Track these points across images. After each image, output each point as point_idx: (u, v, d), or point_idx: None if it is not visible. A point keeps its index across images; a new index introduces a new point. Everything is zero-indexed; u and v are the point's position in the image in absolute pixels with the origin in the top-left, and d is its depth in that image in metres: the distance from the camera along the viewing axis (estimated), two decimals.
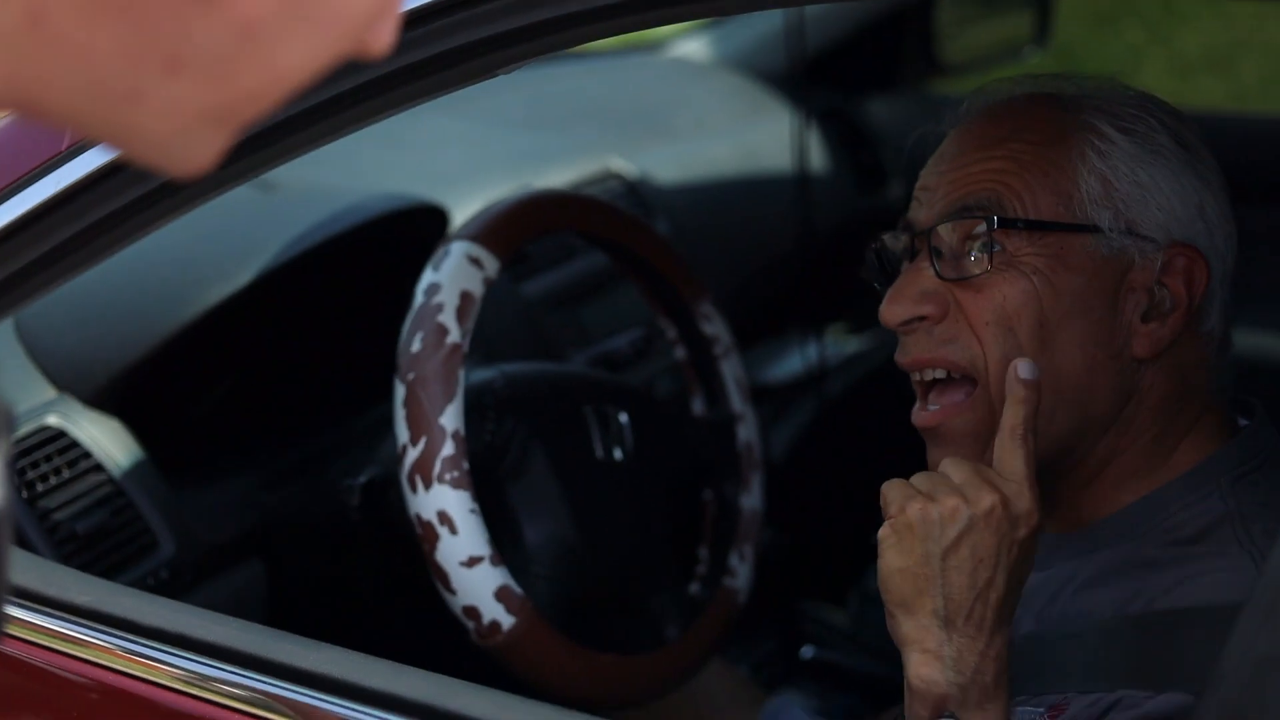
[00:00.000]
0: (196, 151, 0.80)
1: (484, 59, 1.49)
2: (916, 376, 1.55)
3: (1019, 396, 1.45)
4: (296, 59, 0.78)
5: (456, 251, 1.85)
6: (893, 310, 1.55)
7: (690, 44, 3.40)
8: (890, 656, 2.49)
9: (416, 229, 2.22)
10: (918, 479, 1.44)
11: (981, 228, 1.52)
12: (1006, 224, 1.51)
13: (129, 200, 1.47)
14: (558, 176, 2.59)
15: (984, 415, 1.52)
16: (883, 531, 1.43)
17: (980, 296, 1.52)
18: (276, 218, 2.11)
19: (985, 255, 1.51)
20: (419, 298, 1.82)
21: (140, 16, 0.74)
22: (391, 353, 2.16)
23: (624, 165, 2.73)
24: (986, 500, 1.40)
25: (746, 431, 2.15)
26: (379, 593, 2.05)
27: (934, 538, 1.40)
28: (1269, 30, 6.48)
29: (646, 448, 2.01)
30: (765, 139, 3.08)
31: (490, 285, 1.86)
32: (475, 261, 1.85)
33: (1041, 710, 1.49)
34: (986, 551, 1.40)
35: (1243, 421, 1.61)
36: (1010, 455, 1.43)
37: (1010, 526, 1.41)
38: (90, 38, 0.74)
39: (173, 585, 1.91)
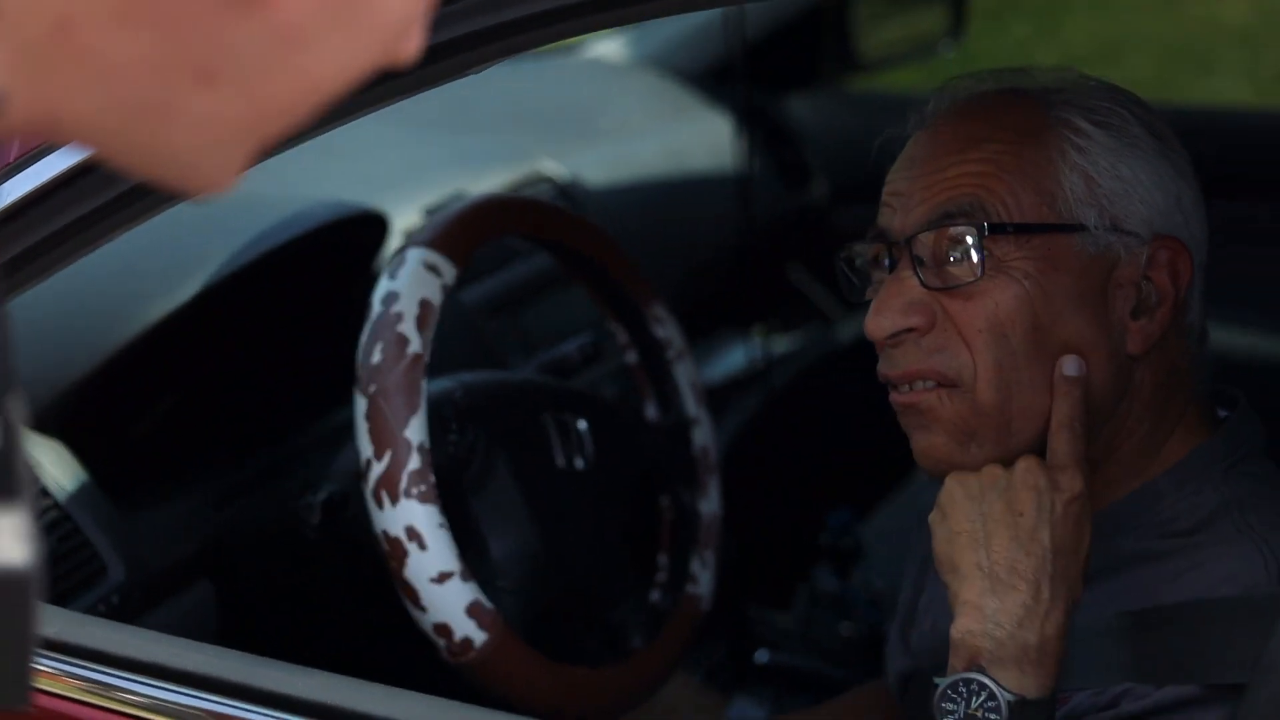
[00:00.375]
0: (221, 169, 0.75)
1: (460, 57, 1.45)
2: (905, 388, 1.53)
3: (1063, 391, 1.47)
4: (332, 68, 0.73)
5: (413, 259, 1.80)
6: (879, 323, 1.51)
7: (606, 45, 3.37)
8: (840, 658, 2.49)
9: (358, 236, 2.17)
10: None
11: (963, 230, 1.49)
12: (996, 229, 1.48)
13: (101, 203, 1.42)
14: (491, 180, 2.55)
15: (965, 411, 1.50)
16: (931, 516, 1.48)
17: (971, 305, 1.49)
18: (217, 229, 2.05)
19: (973, 262, 1.48)
20: (376, 307, 1.76)
21: (174, 24, 0.69)
22: (337, 363, 2.10)
23: (555, 168, 2.68)
24: (1022, 462, 1.45)
25: (702, 435, 2.11)
26: (336, 612, 1.99)
27: (974, 498, 1.45)
28: (1154, 23, 6.56)
29: (605, 455, 1.97)
30: (689, 139, 3.05)
31: (448, 293, 1.81)
32: (432, 269, 1.80)
33: None
34: (1025, 505, 1.43)
35: (1223, 413, 1.61)
36: (1058, 442, 1.47)
37: (1049, 486, 1.44)
38: (119, 49, 0.69)
39: (123, 611, 1.84)
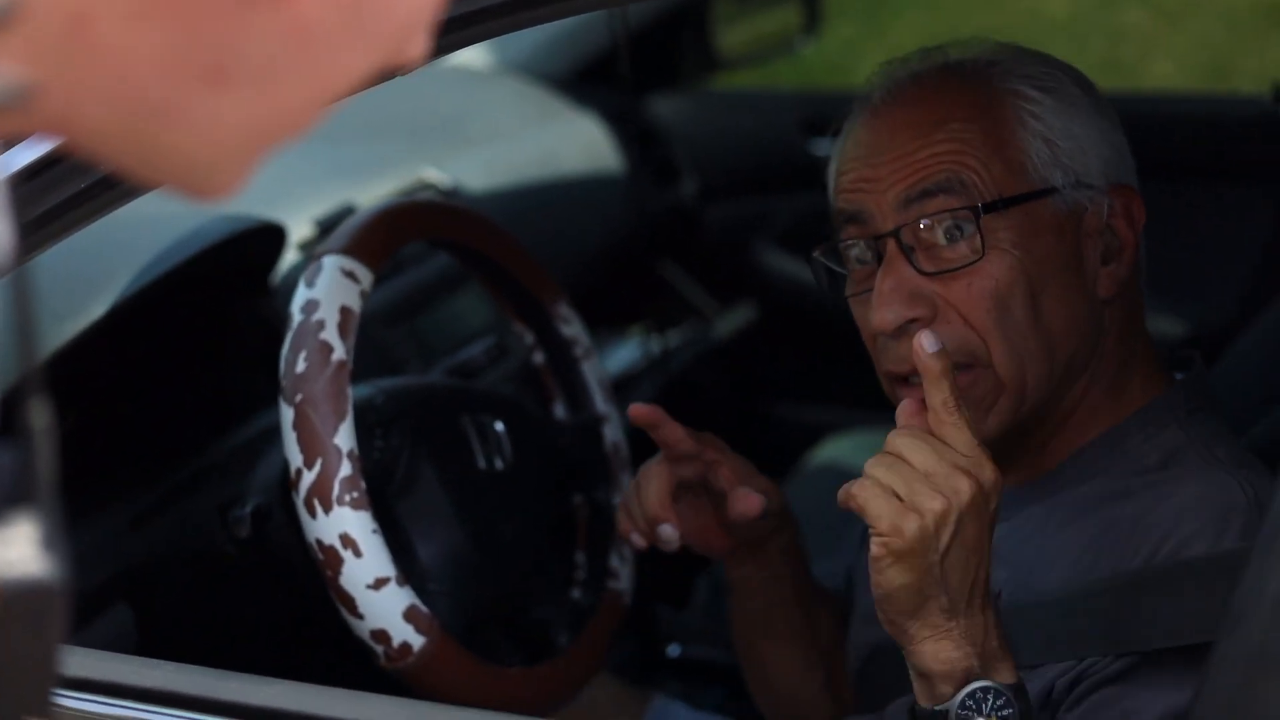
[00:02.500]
0: (226, 175, 0.74)
1: None
2: (918, 379, 1.49)
3: (935, 372, 1.41)
4: (342, 70, 0.73)
5: (329, 266, 1.79)
6: (885, 317, 1.52)
7: (467, 51, 3.36)
8: None
9: (257, 249, 2.15)
10: (884, 474, 1.40)
11: (954, 221, 1.52)
12: (990, 208, 1.51)
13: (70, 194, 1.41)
14: (377, 189, 2.54)
15: (989, 388, 1.53)
16: (877, 552, 1.39)
17: (972, 286, 1.52)
18: (115, 249, 2.01)
19: (971, 243, 1.51)
20: (297, 316, 1.75)
21: (190, 20, 0.68)
22: (243, 377, 2.08)
23: (437, 175, 2.68)
24: (965, 490, 1.38)
25: (613, 432, 2.12)
26: (262, 626, 1.97)
27: (933, 548, 1.38)
28: (979, 17, 6.69)
29: (522, 456, 1.98)
30: (559, 142, 3.06)
31: (366, 299, 1.80)
32: (350, 275, 1.79)
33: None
34: (975, 540, 1.40)
35: (1178, 375, 1.66)
36: (954, 431, 1.41)
37: (986, 505, 1.40)
38: (133, 45, 0.68)
39: None
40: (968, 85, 1.58)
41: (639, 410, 1.76)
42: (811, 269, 1.64)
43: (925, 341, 1.42)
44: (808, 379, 3.26)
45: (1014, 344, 1.52)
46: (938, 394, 1.41)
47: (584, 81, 3.28)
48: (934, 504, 1.37)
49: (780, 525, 1.82)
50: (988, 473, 1.40)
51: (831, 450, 2.93)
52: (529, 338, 2.13)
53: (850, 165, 1.59)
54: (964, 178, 1.53)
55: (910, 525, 1.37)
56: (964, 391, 1.49)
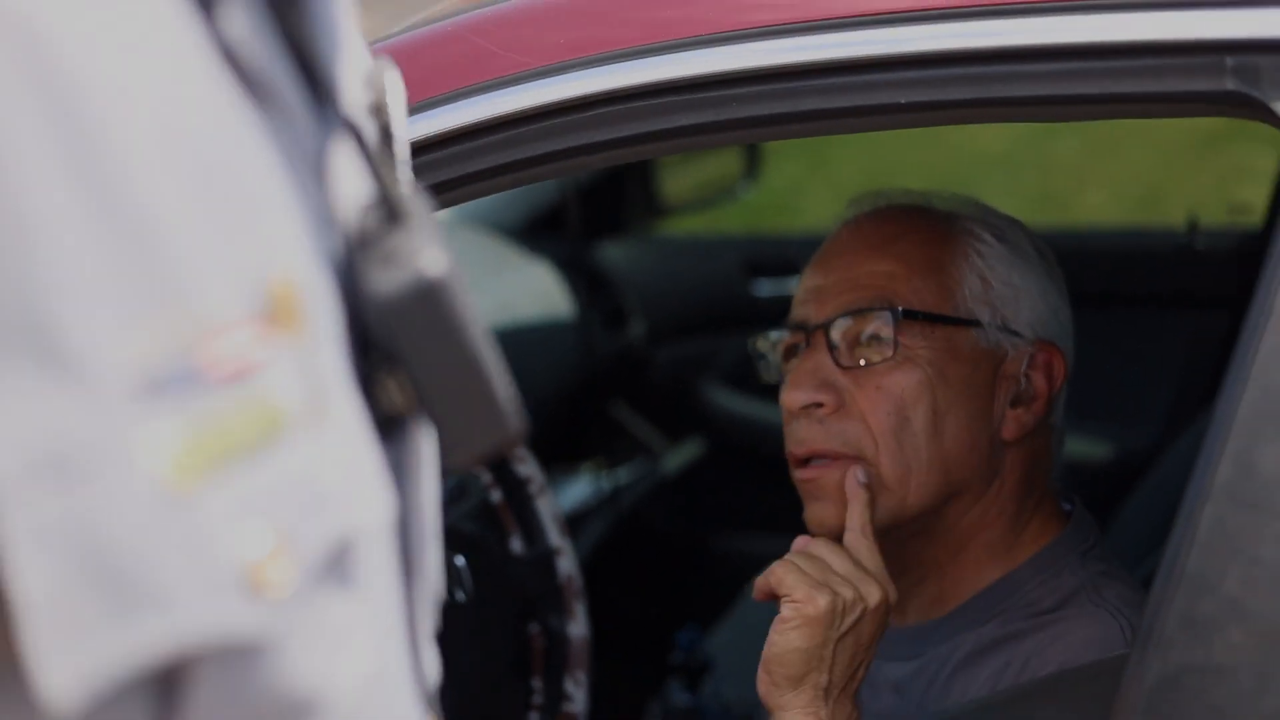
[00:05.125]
0: None
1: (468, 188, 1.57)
2: (808, 464, 1.68)
3: (861, 499, 1.63)
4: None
5: None
6: (793, 396, 1.68)
7: None
8: None
9: None
10: (804, 563, 1.59)
11: (875, 324, 1.66)
12: (909, 315, 1.66)
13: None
14: None
15: (872, 483, 1.66)
16: (787, 613, 1.57)
17: (880, 390, 1.66)
18: None
19: (885, 344, 1.66)
20: None
21: None
22: None
23: None
24: (875, 594, 1.58)
25: (566, 564, 2.25)
26: None
27: (835, 625, 1.56)
28: (918, 152, 6.87)
29: (481, 588, 2.10)
30: (513, 290, 3.20)
31: None
32: None
33: None
34: (867, 639, 1.58)
35: (1067, 506, 1.78)
36: (867, 550, 1.61)
37: (884, 616, 1.59)
38: None
39: None
40: (930, 217, 1.74)
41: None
42: (750, 352, 1.81)
43: (858, 473, 1.64)
44: (754, 511, 3.38)
45: (905, 451, 1.66)
46: (858, 517, 1.62)
47: (536, 231, 3.43)
48: (846, 591, 1.57)
49: None
50: (892, 590, 1.60)
51: None
52: (486, 476, 2.26)
53: (807, 274, 1.75)
54: (894, 298, 1.68)
55: (823, 597, 1.56)
56: (838, 483, 1.67)
